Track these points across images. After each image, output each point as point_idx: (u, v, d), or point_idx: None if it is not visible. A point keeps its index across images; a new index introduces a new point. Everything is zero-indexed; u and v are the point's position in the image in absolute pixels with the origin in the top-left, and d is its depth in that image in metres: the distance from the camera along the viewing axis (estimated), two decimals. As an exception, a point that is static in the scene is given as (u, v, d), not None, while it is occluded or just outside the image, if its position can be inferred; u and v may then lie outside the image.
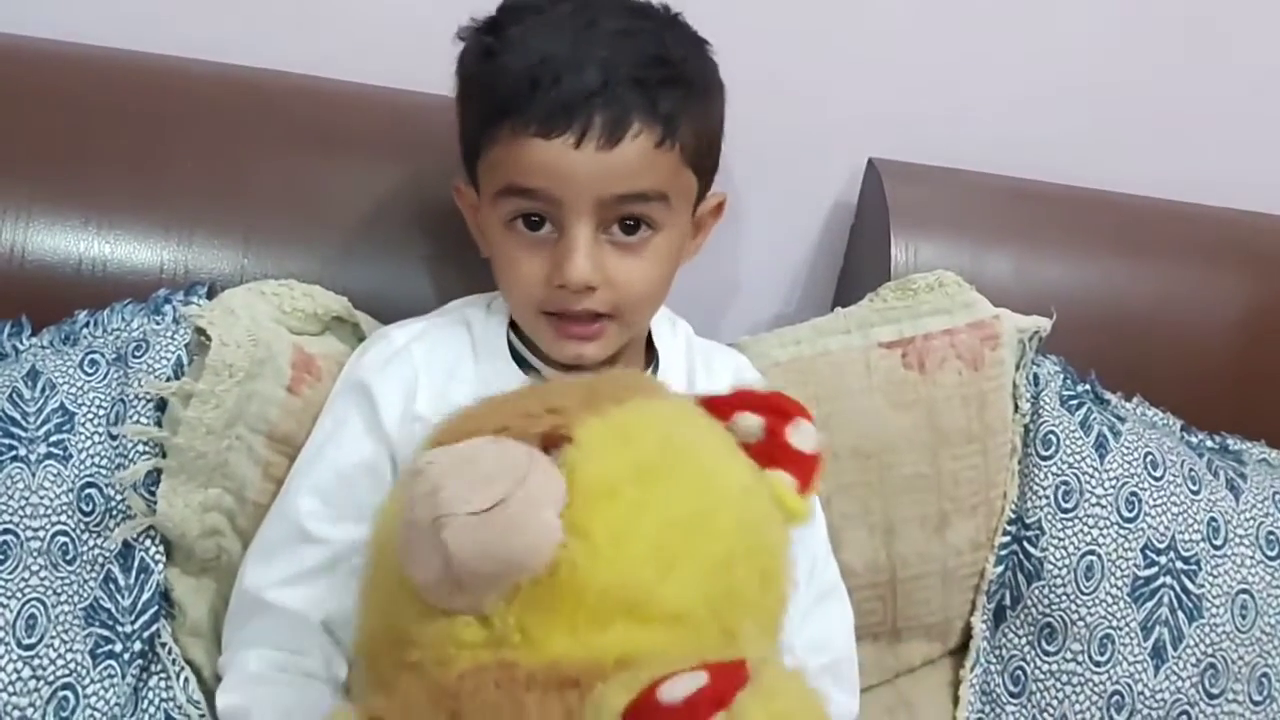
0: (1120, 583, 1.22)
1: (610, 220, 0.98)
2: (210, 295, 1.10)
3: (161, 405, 1.05)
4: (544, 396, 0.85)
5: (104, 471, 1.03)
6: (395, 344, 1.05)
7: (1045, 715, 1.21)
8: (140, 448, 1.03)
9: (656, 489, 0.79)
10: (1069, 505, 1.22)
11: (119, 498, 1.03)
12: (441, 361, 1.05)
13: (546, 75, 0.95)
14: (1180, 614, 1.22)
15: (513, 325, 1.07)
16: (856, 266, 1.39)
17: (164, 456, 1.04)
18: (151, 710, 1.03)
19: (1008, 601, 1.23)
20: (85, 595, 1.01)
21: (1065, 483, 1.22)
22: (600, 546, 0.76)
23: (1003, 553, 1.22)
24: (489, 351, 1.06)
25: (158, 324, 1.08)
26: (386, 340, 1.06)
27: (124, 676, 1.02)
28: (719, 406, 0.87)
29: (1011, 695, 1.22)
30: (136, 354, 1.06)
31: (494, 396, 0.88)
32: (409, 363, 1.04)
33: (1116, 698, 1.21)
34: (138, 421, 1.04)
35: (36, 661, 0.97)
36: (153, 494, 1.04)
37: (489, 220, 1.02)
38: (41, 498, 1.00)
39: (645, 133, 0.96)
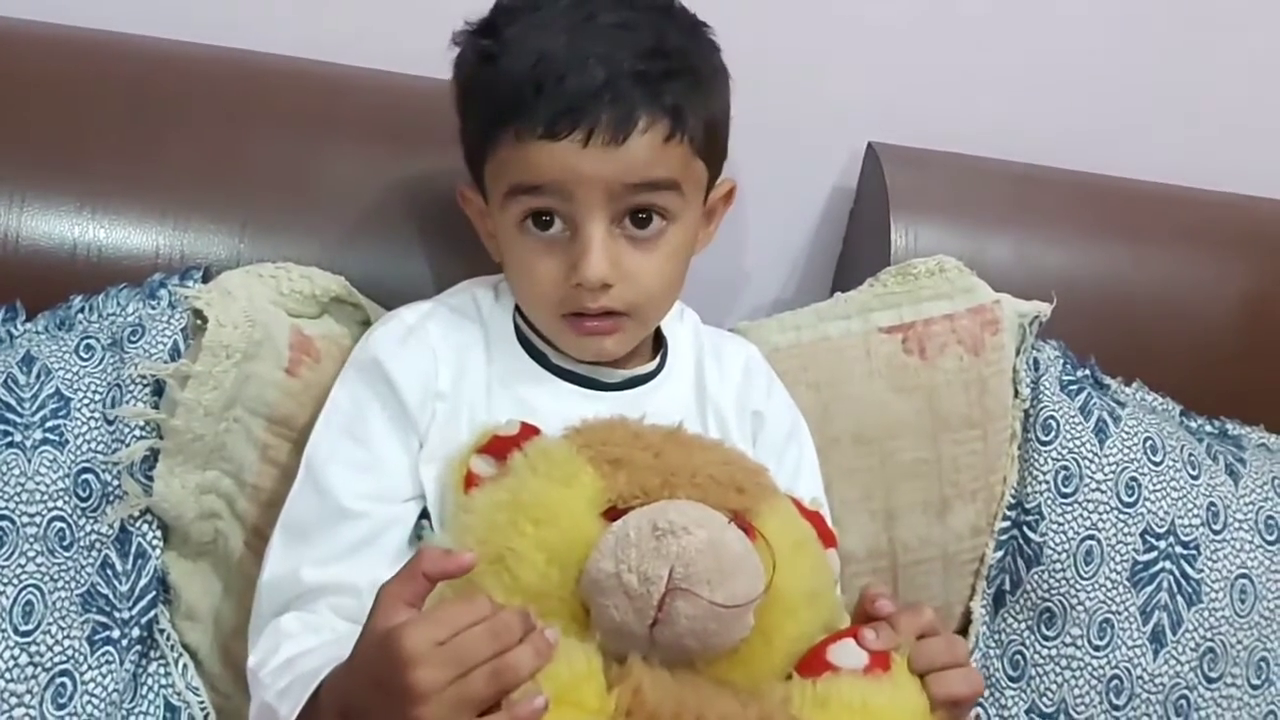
0: (1120, 567, 1.22)
1: (623, 213, 0.97)
2: (206, 280, 1.10)
3: (158, 390, 1.04)
4: (723, 462, 0.93)
5: (100, 457, 1.02)
6: (407, 322, 1.04)
7: (1044, 699, 1.21)
8: (137, 432, 1.03)
9: (816, 611, 0.90)
10: (1069, 490, 1.22)
11: (115, 483, 1.02)
12: (456, 340, 1.04)
13: (549, 76, 0.94)
14: (1179, 598, 1.22)
15: (518, 310, 1.06)
16: (856, 251, 1.38)
17: (161, 439, 1.03)
18: (151, 696, 1.03)
19: (1007, 586, 1.23)
20: (82, 581, 1.01)
21: (1065, 468, 1.22)
22: (773, 652, 0.86)
23: (1002, 538, 1.22)
24: (498, 336, 1.05)
25: (153, 309, 1.08)
26: (398, 319, 1.05)
27: (122, 663, 1.01)
28: None
29: (1011, 679, 1.22)
30: (132, 339, 1.05)
31: (655, 429, 0.94)
32: (425, 341, 1.03)
33: (1115, 682, 1.21)
34: (135, 405, 1.03)
35: (34, 648, 0.97)
36: (149, 479, 1.03)
37: (500, 224, 1.01)
38: (38, 483, 0.99)
39: (653, 127, 0.95)
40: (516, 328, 1.06)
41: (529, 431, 0.94)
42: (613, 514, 0.87)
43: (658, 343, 1.10)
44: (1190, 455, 1.26)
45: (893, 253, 1.27)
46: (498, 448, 0.94)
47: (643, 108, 0.95)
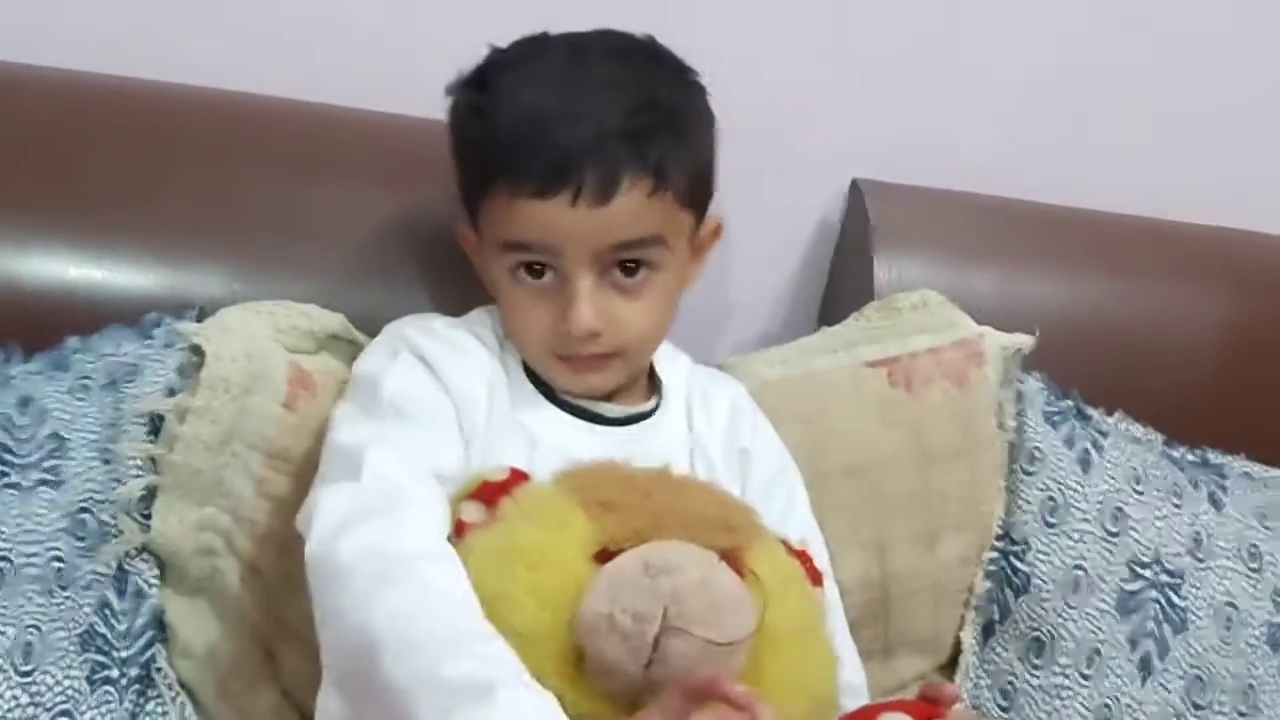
0: (1106, 597, 1.23)
1: (610, 265, 1.00)
2: (201, 319, 1.10)
3: (155, 429, 1.04)
4: (714, 501, 0.95)
5: (97, 496, 1.02)
6: (441, 334, 1.04)
7: (1035, 729, 1.22)
8: (134, 470, 1.03)
9: (806, 648, 0.93)
10: (1054, 520, 1.23)
11: (113, 522, 1.02)
12: (487, 358, 1.05)
13: (539, 135, 0.96)
14: (1166, 627, 1.23)
15: None
16: (841, 286, 1.40)
17: (158, 476, 1.03)
18: (150, 735, 1.03)
19: (996, 616, 1.23)
20: (81, 621, 1.01)
21: (1050, 498, 1.23)
22: (765, 689, 0.84)
23: (991, 568, 1.23)
24: (512, 365, 1.06)
25: (148, 348, 1.08)
26: (430, 329, 1.05)
27: (121, 702, 1.01)
28: None
29: (1001, 709, 1.23)
30: (128, 379, 1.05)
31: (646, 471, 0.96)
32: (474, 359, 1.04)
33: (1104, 710, 1.22)
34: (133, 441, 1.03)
35: (34, 688, 0.97)
36: (147, 517, 1.03)
37: (494, 271, 1.03)
38: (36, 524, 1.00)
39: (637, 186, 0.98)
40: (522, 359, 1.07)
41: (519, 477, 0.95)
42: (604, 556, 0.87)
43: (653, 382, 1.11)
44: (1174, 484, 1.27)
45: (876, 287, 1.28)
46: (487, 494, 0.94)
47: (627, 166, 0.97)
